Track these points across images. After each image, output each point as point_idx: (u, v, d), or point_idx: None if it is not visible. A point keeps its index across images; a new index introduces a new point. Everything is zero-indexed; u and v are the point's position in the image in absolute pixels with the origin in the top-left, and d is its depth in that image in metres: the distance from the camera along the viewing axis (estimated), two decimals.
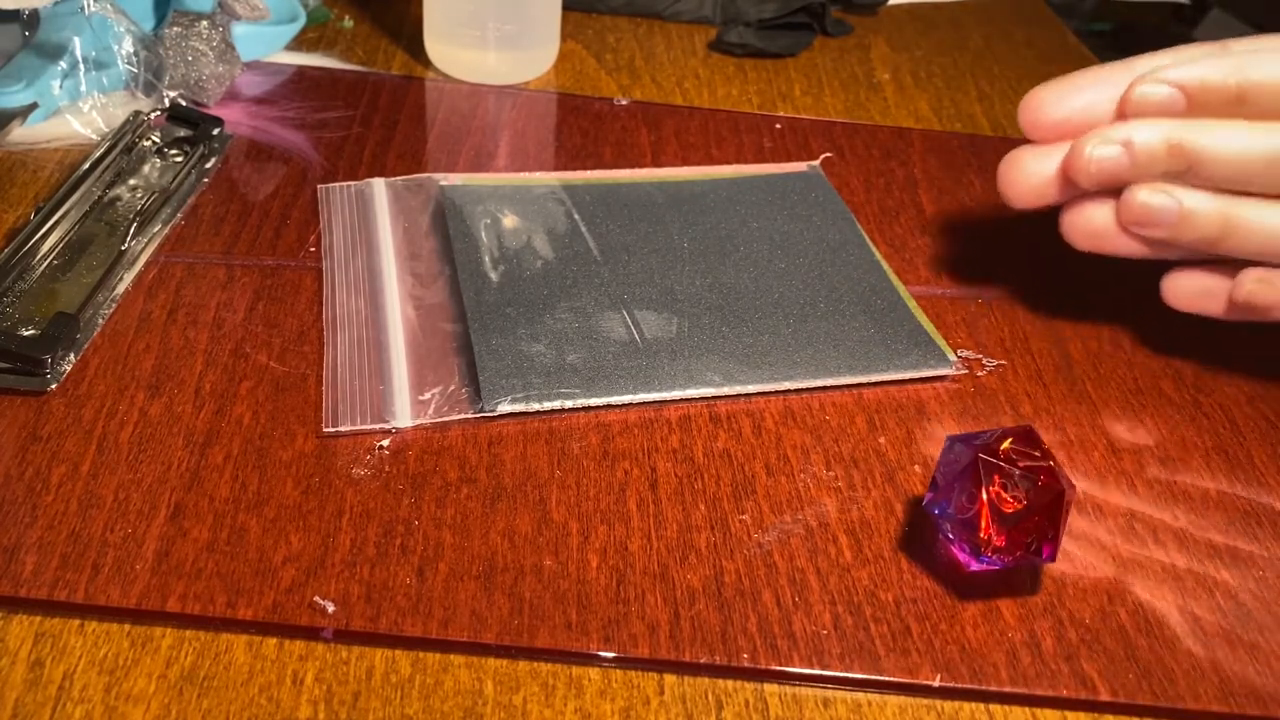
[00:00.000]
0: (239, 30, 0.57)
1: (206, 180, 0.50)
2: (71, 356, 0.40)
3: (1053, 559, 0.34)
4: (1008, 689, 0.32)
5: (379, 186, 0.50)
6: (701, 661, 0.32)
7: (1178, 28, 0.48)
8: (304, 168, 0.51)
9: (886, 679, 0.32)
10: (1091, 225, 0.42)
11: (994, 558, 0.33)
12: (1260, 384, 0.44)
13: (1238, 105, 0.38)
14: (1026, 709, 0.32)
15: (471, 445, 0.38)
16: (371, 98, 0.57)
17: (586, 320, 0.43)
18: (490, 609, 0.33)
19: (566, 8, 0.63)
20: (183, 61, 0.53)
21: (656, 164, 0.54)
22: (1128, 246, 0.42)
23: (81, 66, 0.52)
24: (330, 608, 0.32)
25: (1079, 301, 0.48)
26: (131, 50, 0.53)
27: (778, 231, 0.49)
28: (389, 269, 0.45)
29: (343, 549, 0.34)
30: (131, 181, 0.49)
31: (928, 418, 0.41)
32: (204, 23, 0.53)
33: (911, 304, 0.46)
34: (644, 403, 0.40)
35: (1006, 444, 0.34)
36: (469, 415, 0.39)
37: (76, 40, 0.52)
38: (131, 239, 0.44)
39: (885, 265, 0.48)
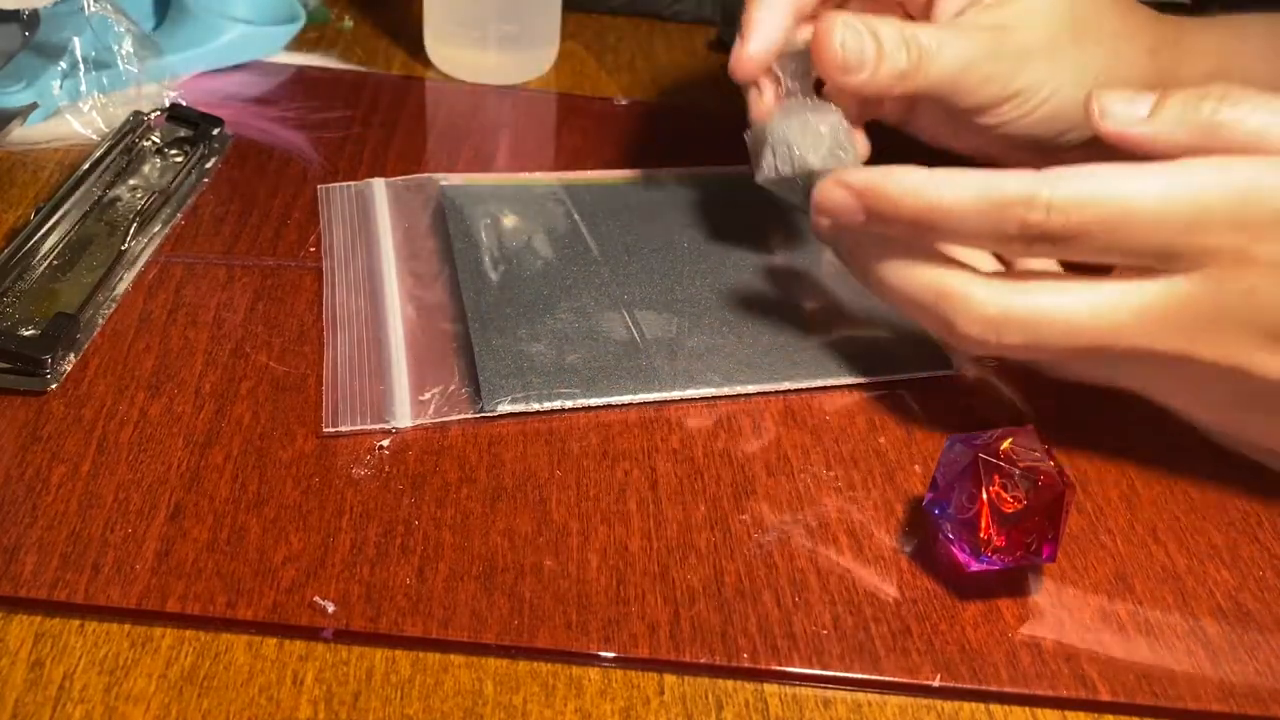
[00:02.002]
0: (240, 31, 0.57)
1: (206, 180, 0.50)
2: (71, 356, 0.40)
3: (1053, 559, 0.34)
4: (1008, 689, 0.32)
5: (379, 186, 0.50)
6: (701, 661, 0.32)
7: None
8: (304, 168, 0.51)
9: (886, 679, 0.32)
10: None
11: (994, 558, 0.33)
12: None
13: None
14: (1026, 709, 0.32)
15: (471, 445, 0.38)
16: (371, 98, 0.57)
17: (586, 320, 0.43)
18: (490, 609, 0.33)
19: (566, 8, 0.63)
20: None
21: (656, 164, 0.54)
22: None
23: (81, 66, 0.52)
24: (330, 608, 0.32)
25: None
26: (131, 50, 0.53)
27: (778, 231, 0.49)
28: (389, 269, 0.45)
29: (343, 549, 0.34)
30: (131, 181, 0.49)
31: (928, 418, 0.41)
32: None
33: None
34: (644, 403, 0.40)
35: (1006, 444, 0.34)
36: (469, 415, 0.39)
37: (76, 40, 0.52)
38: (131, 239, 0.44)
39: None
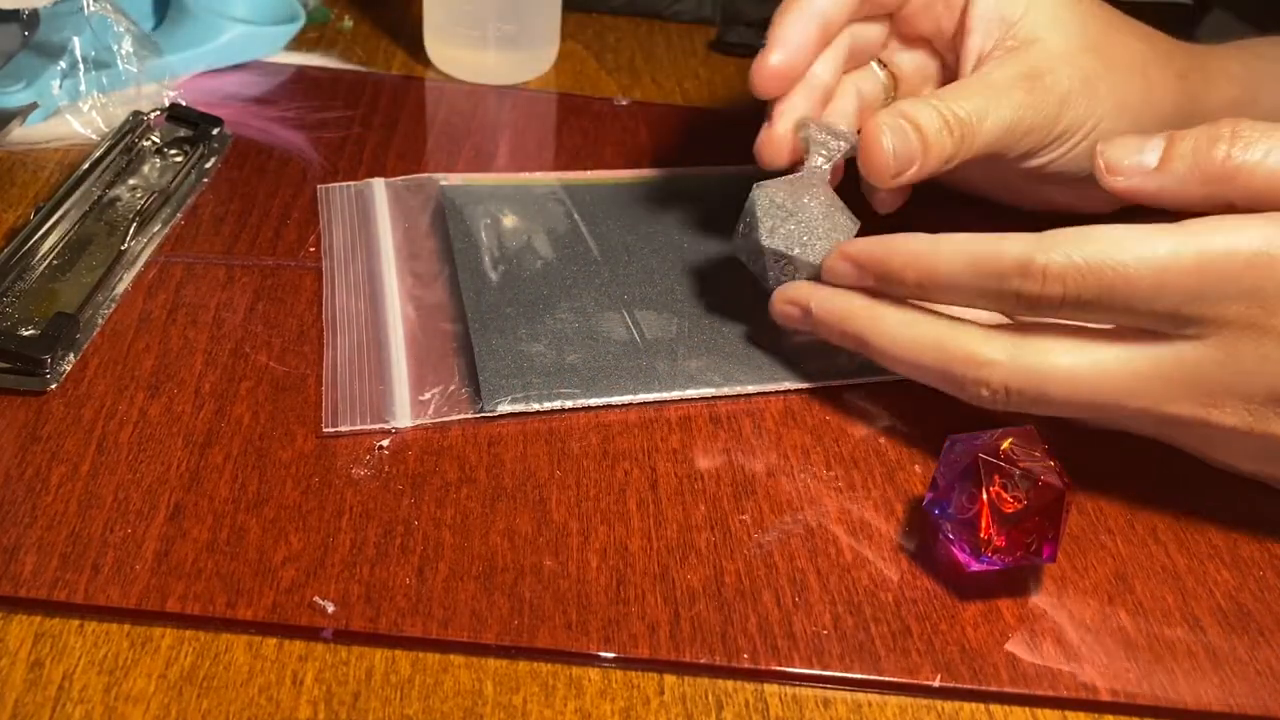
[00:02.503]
0: (240, 30, 0.57)
1: (206, 180, 0.50)
2: (71, 356, 0.40)
3: (1053, 559, 0.34)
4: (1008, 689, 0.32)
5: (379, 186, 0.50)
6: (701, 662, 0.32)
7: (1178, 28, 0.48)
8: (304, 168, 0.51)
9: (887, 679, 0.32)
10: None
11: (994, 558, 0.33)
12: None
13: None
14: (1026, 709, 0.32)
15: (471, 445, 0.38)
16: (371, 98, 0.57)
17: (586, 320, 0.43)
18: (490, 609, 0.33)
19: (566, 8, 0.63)
20: None
21: (656, 164, 0.54)
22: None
23: (81, 66, 0.52)
24: (330, 608, 0.32)
25: None
26: (131, 50, 0.53)
27: None
28: (389, 269, 0.45)
29: (343, 549, 0.34)
30: (131, 181, 0.49)
31: (928, 418, 0.41)
32: None
33: None
34: (644, 403, 0.40)
35: (1007, 444, 0.34)
36: (469, 415, 0.39)
37: (76, 40, 0.52)
38: (131, 239, 0.44)
39: None
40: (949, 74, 0.46)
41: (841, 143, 0.42)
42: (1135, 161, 0.35)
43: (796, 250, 0.40)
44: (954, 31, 0.44)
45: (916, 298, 0.37)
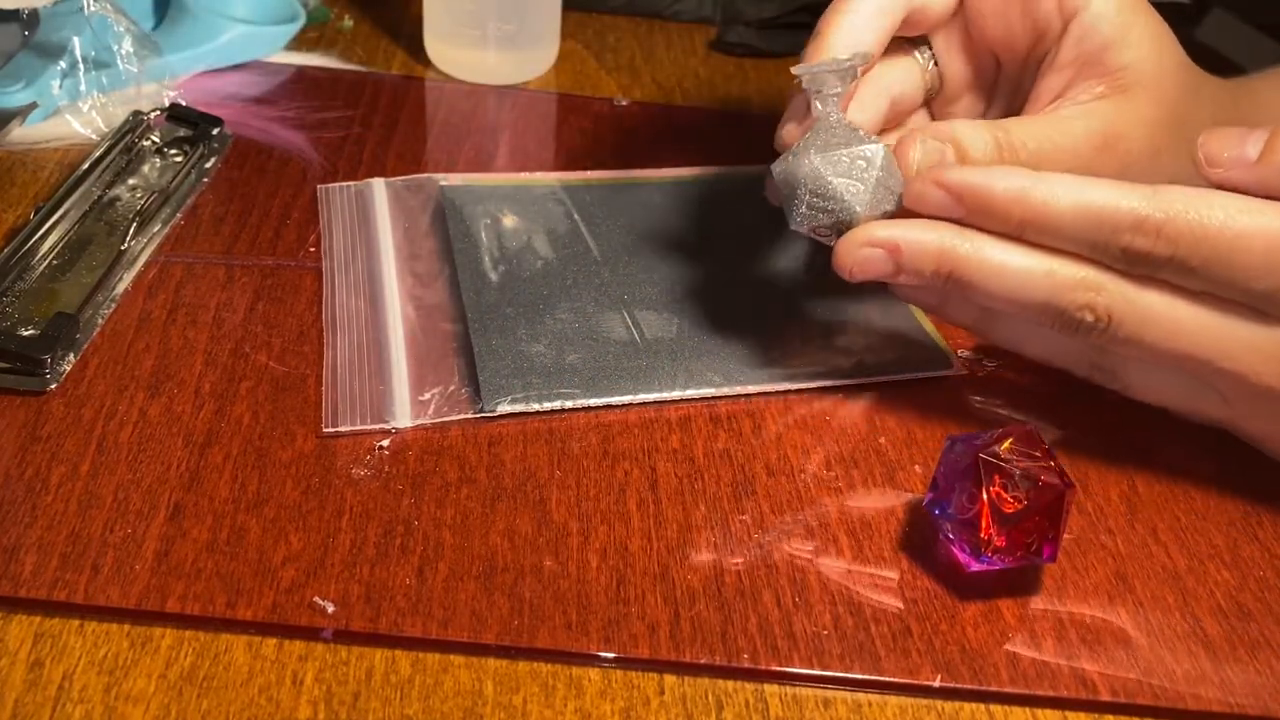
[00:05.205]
0: (240, 30, 0.57)
1: (206, 180, 0.50)
2: (71, 356, 0.40)
3: (1053, 559, 0.34)
4: (1008, 689, 0.32)
5: (379, 186, 0.50)
6: (701, 662, 0.32)
7: (1178, 28, 0.48)
8: (304, 168, 0.51)
9: (887, 679, 0.32)
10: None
11: (994, 558, 0.33)
12: None
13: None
14: (1026, 709, 0.32)
15: (471, 445, 0.38)
16: (371, 98, 0.57)
17: (586, 320, 0.43)
18: (490, 609, 0.33)
19: (566, 8, 0.63)
20: None
21: (656, 164, 0.54)
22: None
23: (81, 66, 0.52)
24: (330, 608, 0.32)
25: None
26: (131, 50, 0.53)
27: (778, 231, 0.49)
28: (389, 269, 0.45)
29: (343, 549, 0.34)
30: (131, 181, 0.49)
31: (928, 418, 0.41)
32: None
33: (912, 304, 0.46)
34: (644, 403, 0.40)
35: (1007, 444, 0.34)
36: (469, 415, 0.39)
37: (76, 40, 0.52)
38: (131, 239, 0.44)
39: None
40: (1010, 85, 0.44)
41: (843, 75, 0.38)
42: (1236, 154, 0.34)
43: (825, 216, 0.36)
44: (1027, 45, 0.42)
45: (1010, 235, 0.35)
